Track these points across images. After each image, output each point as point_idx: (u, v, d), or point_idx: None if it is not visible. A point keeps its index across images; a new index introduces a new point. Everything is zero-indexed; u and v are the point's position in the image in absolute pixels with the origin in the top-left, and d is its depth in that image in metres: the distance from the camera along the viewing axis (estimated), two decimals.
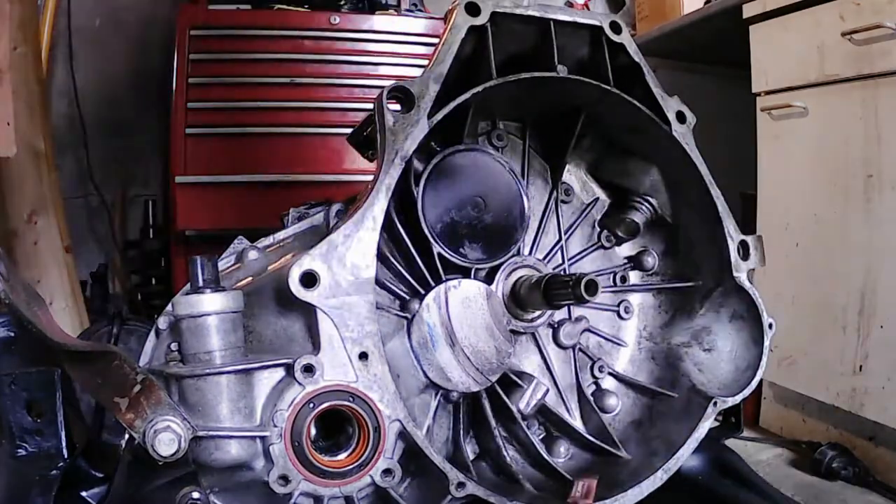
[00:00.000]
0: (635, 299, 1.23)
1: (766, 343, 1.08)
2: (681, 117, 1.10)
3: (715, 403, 1.06)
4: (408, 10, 3.03)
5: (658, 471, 1.00)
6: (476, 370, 1.00)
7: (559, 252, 1.17)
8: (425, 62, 0.98)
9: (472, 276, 1.05)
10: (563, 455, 1.11)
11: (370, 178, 0.92)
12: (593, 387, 1.18)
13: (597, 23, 1.07)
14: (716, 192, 1.10)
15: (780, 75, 2.09)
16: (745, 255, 1.10)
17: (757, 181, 2.20)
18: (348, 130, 1.19)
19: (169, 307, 0.89)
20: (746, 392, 1.09)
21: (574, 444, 1.12)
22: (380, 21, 2.82)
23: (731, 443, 1.18)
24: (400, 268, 1.03)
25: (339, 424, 0.89)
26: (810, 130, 2.00)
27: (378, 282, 0.92)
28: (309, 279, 0.83)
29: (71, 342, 0.83)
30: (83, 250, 3.16)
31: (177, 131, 2.63)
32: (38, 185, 2.02)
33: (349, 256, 0.85)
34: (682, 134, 1.10)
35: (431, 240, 1.02)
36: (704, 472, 1.12)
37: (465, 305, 1.01)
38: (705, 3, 2.64)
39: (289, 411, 0.82)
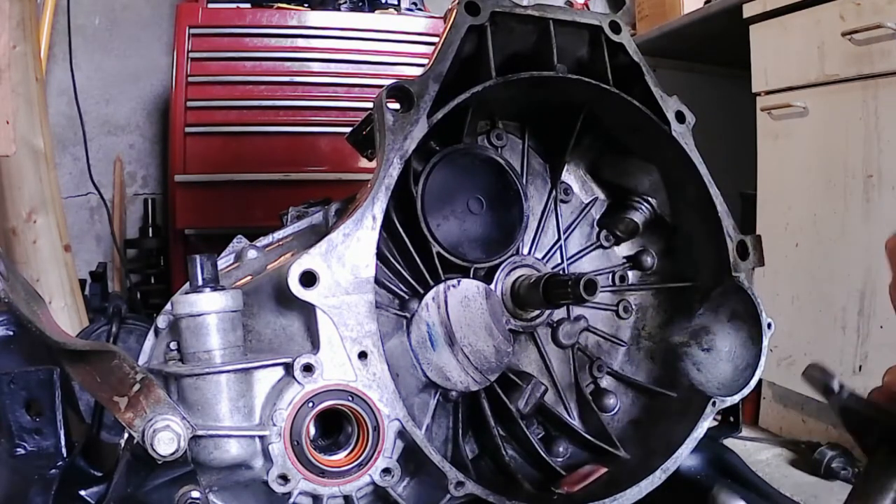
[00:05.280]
0: (634, 299, 1.23)
1: (765, 343, 1.08)
2: (680, 117, 1.10)
3: (714, 403, 1.06)
4: (407, 10, 3.03)
5: (657, 470, 1.00)
6: (475, 369, 1.00)
7: (558, 251, 1.17)
8: (425, 61, 0.98)
9: (472, 276, 1.05)
10: (561, 454, 1.11)
11: (369, 177, 0.91)
12: (592, 386, 1.18)
13: (596, 22, 1.07)
14: (715, 192, 1.10)
15: (780, 75, 2.08)
16: (743, 254, 1.10)
17: (757, 181, 2.20)
18: (347, 129, 1.19)
19: (168, 306, 0.89)
20: (745, 391, 1.09)
21: (573, 443, 1.12)
22: (379, 20, 2.82)
23: (730, 442, 1.18)
24: (399, 267, 1.03)
25: (338, 423, 0.89)
26: (810, 130, 2.00)
27: (377, 281, 0.92)
28: (308, 278, 0.83)
29: (70, 341, 0.82)
30: (82, 249, 3.17)
31: (176, 130, 2.63)
32: (37, 184, 2.01)
33: (348, 255, 0.85)
34: (682, 133, 1.10)
35: (430, 239, 1.02)
36: (703, 472, 1.12)
37: (464, 305, 1.01)
38: (705, 3, 2.64)
39: (288, 410, 0.82)
